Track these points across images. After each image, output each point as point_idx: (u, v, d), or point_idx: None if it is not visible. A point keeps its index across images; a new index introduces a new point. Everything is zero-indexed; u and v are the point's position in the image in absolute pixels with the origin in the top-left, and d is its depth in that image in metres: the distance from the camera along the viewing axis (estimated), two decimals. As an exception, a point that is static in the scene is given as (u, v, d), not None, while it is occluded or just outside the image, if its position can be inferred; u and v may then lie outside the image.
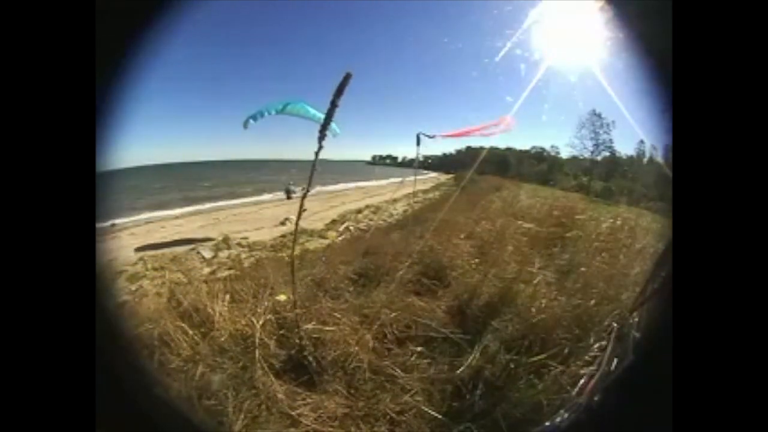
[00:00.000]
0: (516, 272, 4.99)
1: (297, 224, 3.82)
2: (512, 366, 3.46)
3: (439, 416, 3.15)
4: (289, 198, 16.68)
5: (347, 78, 3.30)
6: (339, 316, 4.10)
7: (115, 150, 1.76)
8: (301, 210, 3.61)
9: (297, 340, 3.68)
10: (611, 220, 7.00)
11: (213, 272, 7.57)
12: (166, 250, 8.75)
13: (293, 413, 3.11)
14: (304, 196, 3.55)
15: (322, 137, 3.38)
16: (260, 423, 3.05)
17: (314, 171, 3.49)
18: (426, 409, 3.20)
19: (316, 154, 3.43)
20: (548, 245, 6.21)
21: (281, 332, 3.88)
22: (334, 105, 3.32)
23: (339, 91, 3.30)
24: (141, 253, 8.92)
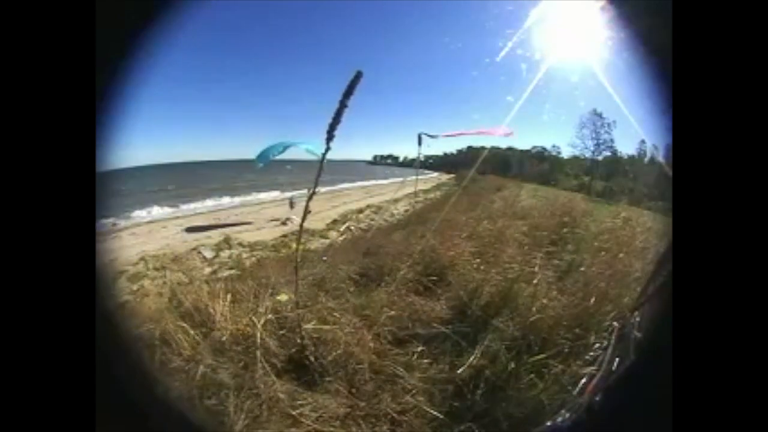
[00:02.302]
0: (517, 272, 4.99)
1: (302, 224, 3.81)
2: (513, 366, 3.47)
3: (441, 416, 3.16)
4: (292, 208, 16.63)
5: (358, 77, 3.24)
6: (340, 315, 4.10)
7: (116, 150, 1.76)
8: (306, 211, 3.59)
9: (298, 340, 3.68)
10: (612, 220, 7.00)
11: (214, 272, 7.59)
12: (167, 250, 8.77)
13: (294, 413, 3.11)
14: (310, 198, 3.53)
15: (330, 138, 3.34)
16: (261, 423, 3.05)
17: (321, 172, 3.47)
18: (427, 409, 3.20)
19: (323, 155, 3.39)
20: (549, 245, 6.21)
21: (282, 332, 3.88)
22: (343, 105, 3.27)
23: (349, 91, 3.24)
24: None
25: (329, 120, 3.29)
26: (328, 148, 3.36)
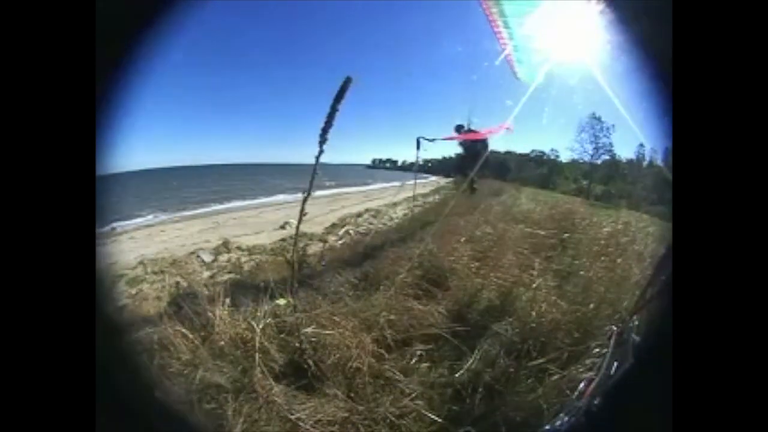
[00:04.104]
0: (516, 276, 4.98)
1: (298, 228, 3.81)
2: (512, 370, 3.46)
3: (439, 420, 3.15)
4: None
5: (347, 82, 3.29)
6: (338, 319, 4.09)
7: (115, 154, 1.76)
8: (302, 214, 3.59)
9: (297, 344, 3.68)
10: (611, 224, 6.99)
11: (213, 276, 7.56)
12: (166, 254, 8.74)
13: (292, 417, 3.11)
14: (304, 200, 3.53)
15: (322, 141, 3.36)
16: (260, 427, 3.05)
17: (315, 175, 3.47)
18: (426, 413, 3.20)
19: (317, 158, 3.40)
20: (548, 249, 6.20)
21: (281, 336, 3.87)
22: (334, 110, 3.31)
23: (339, 96, 3.29)
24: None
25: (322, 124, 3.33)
26: (321, 152, 3.38)
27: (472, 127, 8.27)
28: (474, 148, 8.55)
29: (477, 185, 9.24)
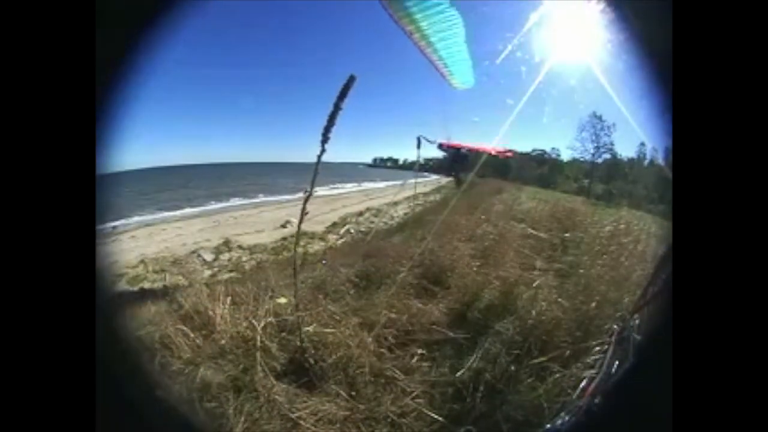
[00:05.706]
0: (517, 275, 4.98)
1: (299, 227, 3.81)
2: (513, 369, 3.46)
3: (440, 419, 3.15)
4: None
5: (351, 81, 3.30)
6: (340, 318, 4.10)
7: (116, 153, 1.76)
8: (303, 213, 3.59)
9: (298, 343, 3.68)
10: (612, 223, 6.99)
11: (214, 275, 7.59)
12: (167, 253, 8.77)
13: (293, 416, 3.11)
14: (306, 199, 3.53)
15: (324, 140, 3.36)
16: (260, 425, 3.05)
17: (316, 174, 3.47)
18: (427, 412, 3.20)
19: (319, 157, 3.41)
20: (549, 248, 6.20)
21: (282, 335, 3.87)
22: (337, 108, 3.31)
23: (342, 94, 3.30)
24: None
25: (324, 122, 3.33)
26: (323, 150, 3.38)
27: (449, 141, 8.46)
28: (456, 153, 8.70)
29: (462, 178, 9.43)
